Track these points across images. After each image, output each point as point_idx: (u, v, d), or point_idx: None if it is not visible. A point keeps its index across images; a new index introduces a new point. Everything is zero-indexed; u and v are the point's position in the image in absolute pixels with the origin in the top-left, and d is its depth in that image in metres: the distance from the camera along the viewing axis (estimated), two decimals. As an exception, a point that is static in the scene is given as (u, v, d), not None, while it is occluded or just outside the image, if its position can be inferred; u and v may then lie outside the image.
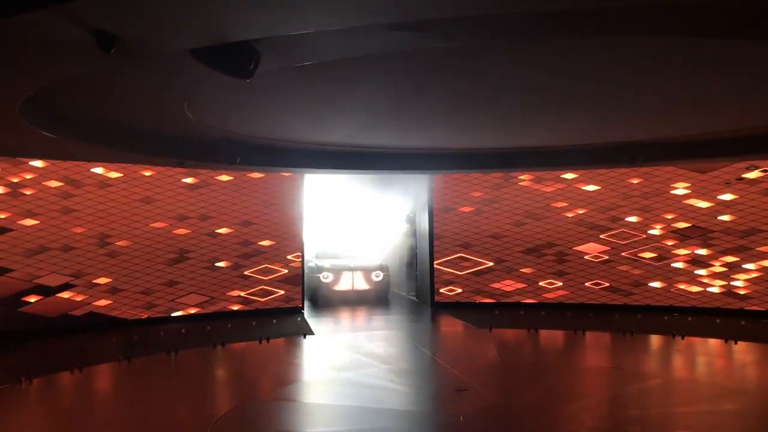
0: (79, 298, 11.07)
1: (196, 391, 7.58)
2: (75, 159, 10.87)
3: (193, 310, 12.21)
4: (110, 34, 4.09)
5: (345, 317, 13.12)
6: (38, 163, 10.68)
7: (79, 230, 11.09)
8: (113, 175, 11.44)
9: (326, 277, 14.54)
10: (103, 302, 11.32)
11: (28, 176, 10.62)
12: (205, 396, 7.44)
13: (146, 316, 11.71)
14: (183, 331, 10.99)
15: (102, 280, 11.31)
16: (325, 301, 14.40)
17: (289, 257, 13.19)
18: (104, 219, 11.34)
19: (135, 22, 4.07)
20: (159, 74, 6.13)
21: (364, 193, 15.94)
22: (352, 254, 15.97)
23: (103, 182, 11.35)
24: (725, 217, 12.07)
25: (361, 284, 14.75)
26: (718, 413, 6.52)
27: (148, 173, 11.77)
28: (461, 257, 13.76)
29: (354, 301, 14.50)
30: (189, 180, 12.23)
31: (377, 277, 14.86)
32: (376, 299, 14.84)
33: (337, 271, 14.70)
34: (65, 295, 10.95)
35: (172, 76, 6.16)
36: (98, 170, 11.27)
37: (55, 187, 10.87)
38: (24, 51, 4.65)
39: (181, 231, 12.14)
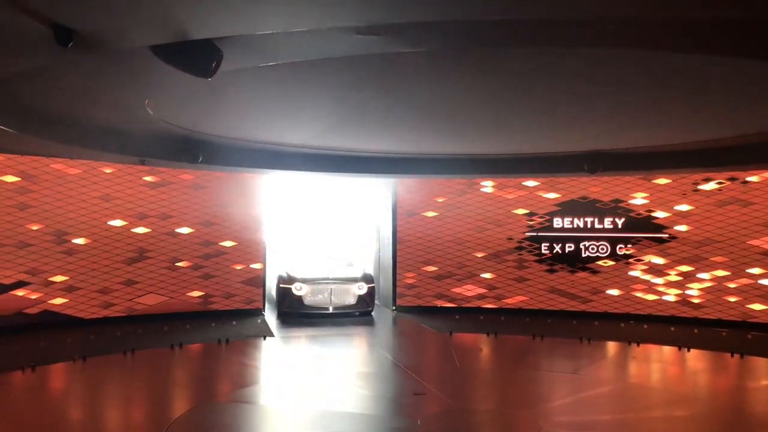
0: (34, 296, 10.84)
1: (151, 393, 7.48)
2: (33, 154, 10.64)
3: (151, 310, 12.03)
4: (67, 28, 4.03)
5: (305, 320, 13.00)
6: (-6, 157, 10.46)
7: (35, 226, 10.86)
8: (72, 171, 11.23)
9: (299, 289, 12.43)
10: (58, 300, 11.10)
11: (-17, 170, 10.39)
12: (161, 397, 7.34)
13: (103, 315, 11.52)
14: (140, 331, 10.82)
15: (58, 278, 11.09)
16: (298, 318, 12.49)
17: (250, 258, 13.08)
18: (62, 216, 11.13)
19: (92, 15, 4.02)
20: (120, 70, 6.06)
21: (334, 196, 15.47)
22: (328, 262, 13.95)
23: (62, 178, 11.14)
24: (681, 228, 12.34)
25: (342, 299, 12.56)
26: (670, 419, 6.66)
27: (108, 170, 11.59)
28: (424, 261, 13.83)
29: (333, 319, 12.45)
30: (150, 178, 12.07)
31: (360, 290, 12.68)
32: (359, 317, 12.77)
33: (313, 283, 12.54)
34: (19, 292, 10.71)
35: (134, 72, 6.09)
36: (57, 166, 11.06)
37: (11, 182, 10.63)
38: (-22, 42, 4.55)
39: (141, 230, 11.97)
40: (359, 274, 13.09)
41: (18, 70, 5.47)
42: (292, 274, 12.82)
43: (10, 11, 3.85)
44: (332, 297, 12.51)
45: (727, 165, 11.10)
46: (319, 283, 12.57)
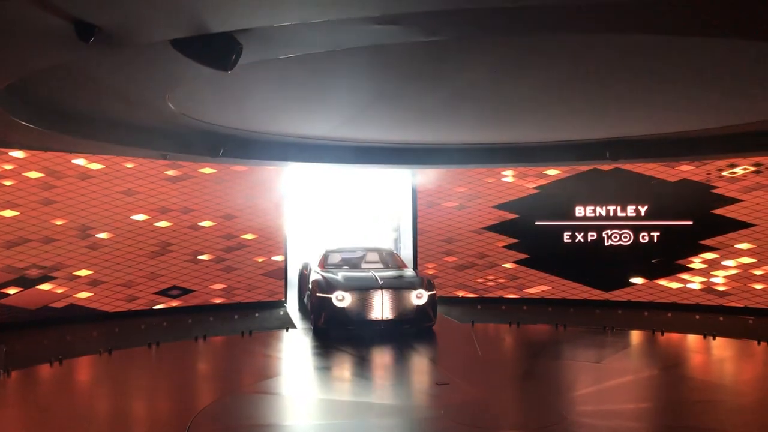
0: (59, 290, 10.99)
1: (176, 384, 7.56)
2: (56, 150, 10.76)
3: (174, 303, 12.15)
4: (89, 24, 4.06)
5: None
6: (18, 154, 10.57)
7: (59, 222, 10.99)
8: (95, 166, 11.35)
9: (341, 300, 9.76)
10: (83, 294, 11.24)
11: (8, 167, 10.51)
12: (185, 389, 7.41)
13: (127, 308, 11.65)
14: (164, 324, 10.93)
15: (83, 272, 11.23)
16: (341, 334, 10.04)
17: (272, 251, 13.14)
18: (85, 211, 11.26)
19: (112, 10, 4.04)
20: (140, 65, 6.09)
21: (354, 188, 15.25)
22: (370, 255, 11.99)
23: (85, 174, 11.26)
24: (707, 214, 12.18)
25: (397, 311, 9.86)
26: (695, 407, 6.59)
27: (130, 165, 11.70)
28: (444, 252, 13.80)
29: (384, 336, 9.87)
30: (171, 172, 12.15)
31: (419, 298, 9.94)
32: (417, 334, 10.11)
33: (358, 290, 9.86)
34: (45, 287, 10.86)
35: (154, 66, 6.12)
36: (80, 161, 11.18)
37: (35, 178, 10.77)
38: (1, 40, 4.60)
39: (163, 224, 12.07)
40: (416, 279, 10.44)
41: (40, 67, 5.52)
42: (331, 279, 10.26)
43: (31, 7, 3.88)
44: (384, 309, 9.84)
45: (752, 151, 10.92)
46: (367, 291, 9.88)
